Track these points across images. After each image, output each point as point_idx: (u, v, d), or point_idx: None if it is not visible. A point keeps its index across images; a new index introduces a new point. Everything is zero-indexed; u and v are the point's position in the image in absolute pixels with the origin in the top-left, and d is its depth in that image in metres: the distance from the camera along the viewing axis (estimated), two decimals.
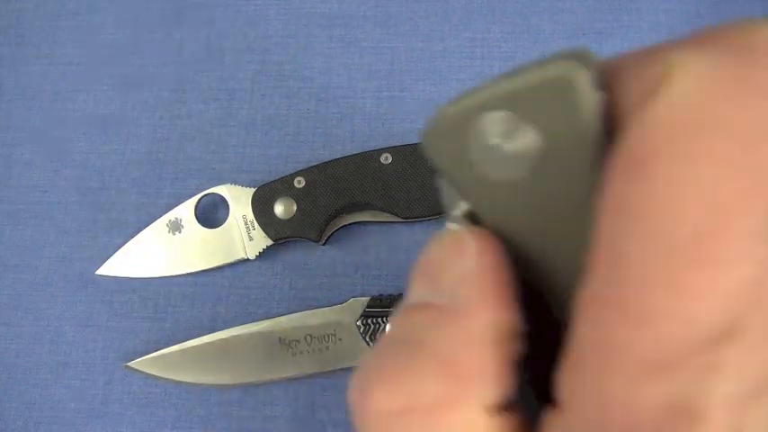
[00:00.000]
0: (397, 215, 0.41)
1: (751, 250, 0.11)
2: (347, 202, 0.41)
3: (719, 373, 0.11)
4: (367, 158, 0.41)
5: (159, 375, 0.40)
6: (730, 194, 0.11)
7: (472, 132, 0.15)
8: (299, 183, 0.41)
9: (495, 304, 0.15)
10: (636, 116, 0.12)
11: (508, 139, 0.15)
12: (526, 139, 0.14)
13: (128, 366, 0.40)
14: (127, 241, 0.43)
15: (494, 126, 0.15)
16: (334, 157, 0.42)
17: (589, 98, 0.14)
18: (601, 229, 0.13)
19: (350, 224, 0.43)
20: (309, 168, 0.42)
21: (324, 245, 0.42)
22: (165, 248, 0.42)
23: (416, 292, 0.16)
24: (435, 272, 0.16)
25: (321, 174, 0.42)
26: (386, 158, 0.41)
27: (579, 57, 0.14)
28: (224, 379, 0.40)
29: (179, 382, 0.40)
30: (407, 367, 0.14)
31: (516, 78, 0.14)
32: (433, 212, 0.41)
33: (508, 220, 0.16)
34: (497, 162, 0.15)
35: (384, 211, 0.41)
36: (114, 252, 0.43)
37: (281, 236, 0.41)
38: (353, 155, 0.42)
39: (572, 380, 0.13)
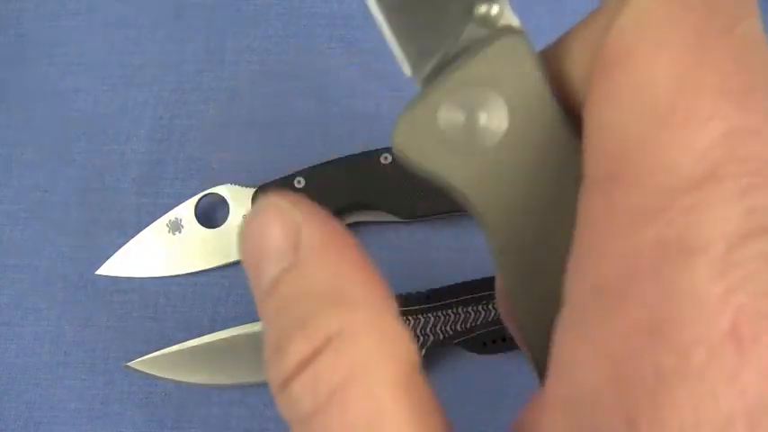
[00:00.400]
0: (397, 215, 0.41)
1: (716, 108, 0.13)
2: (347, 202, 0.41)
3: (706, 212, 0.12)
4: (367, 158, 0.41)
5: (159, 375, 0.40)
6: (690, 67, 0.13)
7: (441, 120, 0.17)
8: (299, 183, 0.41)
9: (338, 236, 0.16)
10: (610, 29, 0.14)
11: (475, 114, 0.17)
12: (490, 110, 0.16)
13: (128, 366, 0.40)
14: (127, 241, 0.43)
15: (459, 106, 0.17)
16: (335, 157, 0.42)
17: (532, 55, 0.17)
18: (590, 120, 0.15)
19: (350, 224, 0.43)
20: (309, 168, 0.42)
21: None
22: (165, 248, 0.42)
23: (267, 270, 0.16)
24: (266, 245, 0.16)
25: (321, 174, 0.42)
26: (386, 158, 0.41)
27: (515, 30, 0.17)
28: (224, 379, 0.40)
29: (179, 382, 0.40)
30: (304, 315, 0.15)
31: (467, 60, 0.17)
32: (433, 212, 0.41)
33: (491, 194, 0.17)
34: (469, 139, 0.17)
35: (384, 211, 0.41)
36: (114, 252, 0.43)
37: None
38: (353, 155, 0.42)
39: (580, 259, 0.14)
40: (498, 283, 0.21)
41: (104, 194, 0.45)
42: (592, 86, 0.15)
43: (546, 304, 0.16)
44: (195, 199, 0.43)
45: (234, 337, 0.40)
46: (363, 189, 0.41)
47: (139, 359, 0.40)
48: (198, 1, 0.49)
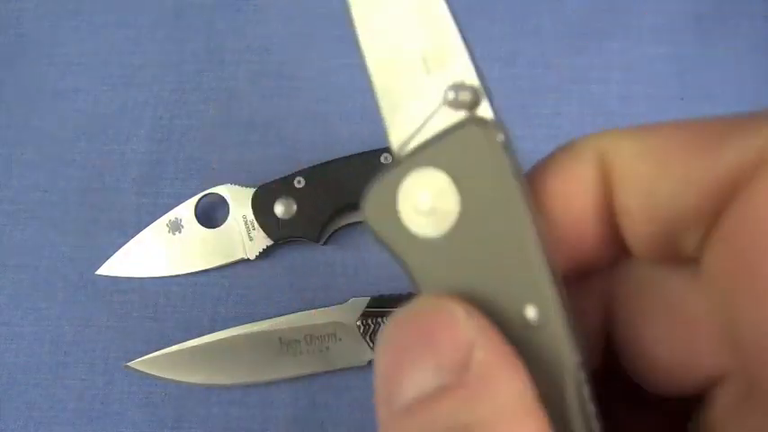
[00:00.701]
0: None
1: None
2: (347, 202, 0.41)
3: None
4: (367, 158, 0.41)
5: (159, 375, 0.40)
6: None
7: (400, 198, 0.17)
8: (299, 183, 0.41)
9: (511, 362, 0.14)
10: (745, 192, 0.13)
11: (428, 198, 0.17)
12: (442, 196, 0.16)
13: (128, 366, 0.40)
14: (127, 241, 0.43)
15: (416, 188, 0.17)
16: (334, 157, 0.42)
17: (493, 147, 0.16)
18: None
19: (350, 224, 0.43)
20: (309, 168, 0.42)
21: (324, 245, 0.42)
22: (165, 248, 0.42)
23: (416, 380, 0.14)
24: (427, 352, 0.14)
25: (321, 174, 0.42)
26: (386, 158, 0.41)
27: (477, 119, 0.17)
28: (224, 379, 0.40)
29: (179, 382, 0.40)
30: None
31: (430, 144, 0.17)
32: None
33: (438, 278, 0.17)
34: (422, 221, 0.16)
35: None
36: (114, 252, 0.43)
37: (281, 236, 0.41)
38: (353, 155, 0.42)
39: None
40: None
41: (104, 194, 0.45)
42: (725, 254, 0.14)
43: None
44: (195, 199, 0.43)
45: (234, 337, 0.40)
46: (363, 189, 0.41)
47: (139, 359, 0.40)
48: (198, 1, 0.49)
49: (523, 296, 0.16)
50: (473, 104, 0.18)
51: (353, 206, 0.42)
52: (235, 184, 0.43)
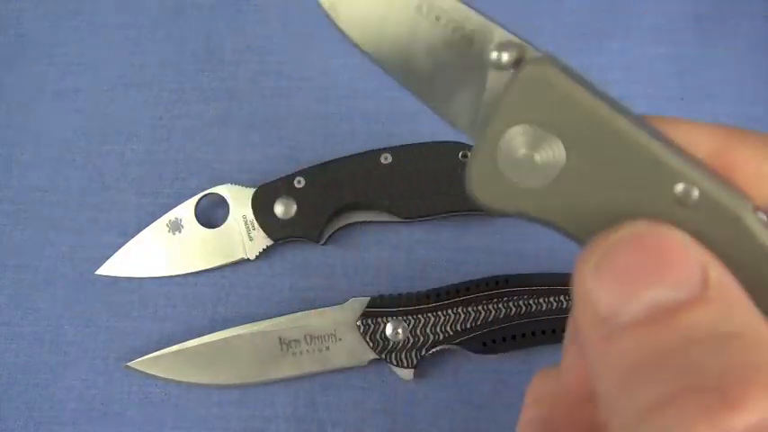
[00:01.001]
0: (397, 215, 0.41)
1: None
2: (347, 202, 0.41)
3: None
4: (367, 158, 0.41)
5: (159, 375, 0.40)
6: None
7: (503, 159, 0.17)
8: (299, 183, 0.41)
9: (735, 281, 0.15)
10: None
11: (533, 149, 0.17)
12: (542, 144, 0.17)
13: (128, 366, 0.40)
14: (127, 241, 0.43)
15: (513, 143, 0.17)
16: (334, 157, 0.42)
17: (562, 73, 0.17)
18: None
19: (350, 224, 0.43)
20: (309, 168, 0.42)
21: (324, 245, 0.42)
22: (165, 248, 0.42)
23: (651, 298, 0.14)
24: (664, 272, 0.15)
25: (321, 174, 0.42)
26: (386, 158, 0.41)
27: (532, 59, 0.17)
28: (224, 379, 0.40)
29: (179, 382, 0.40)
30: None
31: (501, 102, 0.17)
32: (433, 212, 0.41)
33: (569, 209, 0.17)
34: (533, 172, 0.17)
35: (384, 211, 0.41)
36: (114, 252, 0.43)
37: (281, 236, 0.41)
38: (353, 155, 0.42)
39: None
40: None
41: (104, 194, 0.45)
42: None
43: None
44: (195, 199, 0.43)
45: (234, 337, 0.40)
46: (363, 189, 0.41)
47: (139, 359, 0.40)
48: (198, 1, 0.49)
49: (667, 178, 0.16)
50: (520, 57, 0.18)
51: (353, 206, 0.42)
52: (235, 184, 0.43)
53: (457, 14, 0.18)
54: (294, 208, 0.41)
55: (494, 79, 0.18)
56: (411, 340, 0.38)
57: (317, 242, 0.42)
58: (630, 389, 0.14)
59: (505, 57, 0.18)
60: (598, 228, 0.16)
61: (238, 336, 0.40)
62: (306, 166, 0.42)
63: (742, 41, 0.46)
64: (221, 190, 0.43)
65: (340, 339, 0.39)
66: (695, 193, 0.16)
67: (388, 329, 0.38)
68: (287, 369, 0.40)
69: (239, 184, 0.43)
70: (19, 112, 0.47)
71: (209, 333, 0.40)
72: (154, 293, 0.43)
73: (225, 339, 0.40)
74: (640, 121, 0.17)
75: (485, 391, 0.40)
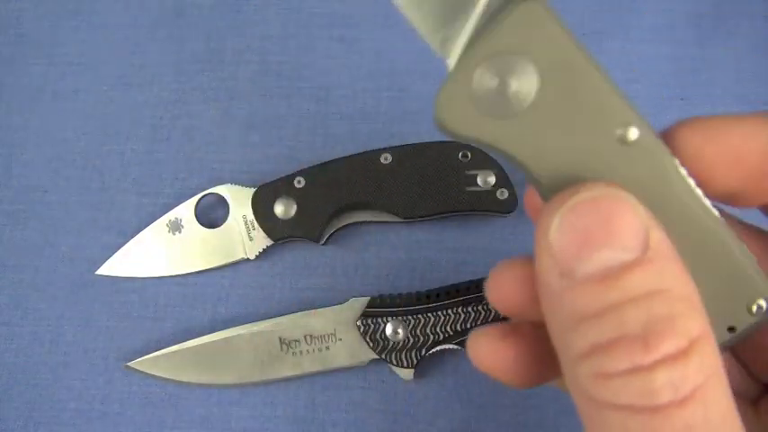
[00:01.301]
0: (397, 215, 0.41)
1: None
2: (347, 202, 0.41)
3: None
4: (367, 158, 0.41)
5: (159, 375, 0.40)
6: None
7: (476, 90, 0.18)
8: (299, 183, 0.41)
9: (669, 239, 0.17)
10: None
11: (506, 80, 0.18)
12: (520, 75, 0.18)
13: (128, 366, 0.40)
14: (127, 241, 0.43)
15: (490, 76, 0.18)
16: (334, 157, 0.42)
17: (552, 16, 0.18)
18: None
19: (350, 224, 0.43)
20: (309, 168, 0.42)
21: (324, 245, 0.42)
22: (165, 248, 0.42)
23: (601, 257, 0.17)
24: (612, 234, 0.17)
25: (321, 174, 0.42)
26: (386, 158, 0.41)
27: None
28: (224, 379, 0.40)
29: (179, 382, 0.40)
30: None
31: (490, 30, 0.18)
32: (433, 212, 0.41)
33: (532, 147, 0.19)
34: (504, 103, 0.18)
35: (384, 211, 0.41)
36: (114, 252, 0.43)
37: (281, 236, 0.41)
38: (353, 155, 0.42)
39: None
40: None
41: (104, 194, 0.45)
42: None
43: None
44: (195, 199, 0.43)
45: (234, 337, 0.40)
46: (363, 189, 0.41)
47: (139, 359, 0.40)
48: (198, 1, 0.49)
49: (616, 120, 0.18)
50: None
51: (353, 206, 0.42)
52: (235, 184, 0.43)
53: None
54: (294, 208, 0.41)
55: (487, 3, 0.19)
56: (411, 340, 0.38)
57: (317, 242, 0.42)
58: (574, 335, 0.17)
59: None
60: (554, 166, 0.19)
61: (238, 336, 0.40)
62: (306, 166, 0.42)
63: (742, 41, 0.46)
64: (221, 190, 0.43)
65: (340, 339, 0.39)
66: (635, 133, 0.18)
67: (388, 329, 0.38)
68: (287, 369, 0.40)
69: (239, 184, 0.43)
70: (19, 112, 0.47)
71: (209, 333, 0.40)
72: (154, 293, 0.43)
73: (225, 339, 0.40)
74: (608, 76, 0.19)
75: (485, 391, 0.40)
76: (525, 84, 0.18)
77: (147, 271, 0.43)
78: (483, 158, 0.41)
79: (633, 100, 0.18)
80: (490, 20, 0.18)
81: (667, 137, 0.19)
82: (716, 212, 0.19)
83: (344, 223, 0.42)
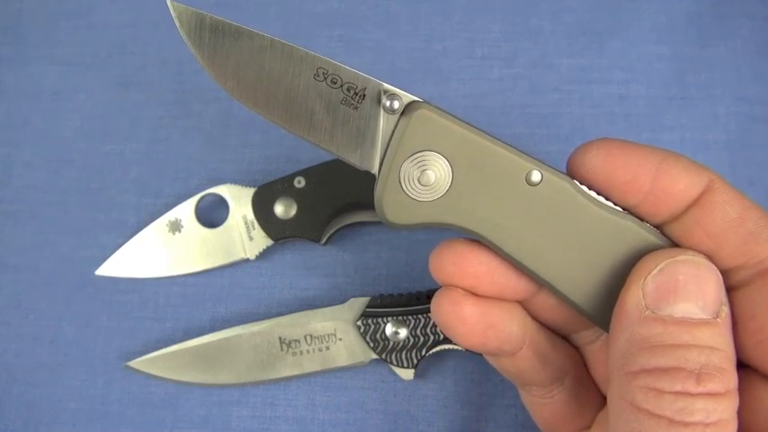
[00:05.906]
0: None
1: None
2: (347, 202, 0.41)
3: None
4: None
5: (159, 375, 0.40)
6: None
7: (403, 183, 0.24)
8: (299, 183, 0.41)
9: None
10: None
11: (427, 171, 0.24)
12: (437, 164, 0.24)
13: (128, 366, 0.40)
14: (127, 241, 0.43)
15: (410, 169, 0.24)
16: (335, 157, 0.42)
17: (440, 113, 0.24)
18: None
19: (350, 224, 0.43)
20: (309, 168, 0.42)
21: (324, 245, 0.42)
22: (165, 248, 0.42)
23: (685, 307, 0.22)
24: (700, 294, 0.23)
25: (321, 174, 0.42)
26: None
27: (419, 103, 0.25)
28: (224, 379, 0.40)
29: (179, 382, 0.40)
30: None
31: (400, 138, 0.24)
32: None
33: (464, 214, 0.25)
34: (431, 187, 0.24)
35: None
36: (114, 252, 0.43)
37: (281, 236, 0.41)
38: None
39: None
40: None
41: (104, 194, 0.45)
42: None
43: None
44: (195, 199, 0.43)
45: (234, 336, 0.40)
46: (363, 189, 0.41)
47: (139, 359, 0.40)
48: (198, 1, 0.49)
49: (522, 169, 0.24)
50: (406, 102, 0.25)
51: (353, 206, 0.42)
52: (235, 184, 0.43)
53: (349, 76, 0.27)
54: (294, 208, 0.41)
55: (386, 122, 0.25)
56: (411, 340, 0.38)
57: (317, 242, 0.42)
58: (640, 353, 0.22)
59: (396, 104, 0.24)
60: (490, 223, 0.24)
61: (238, 336, 0.40)
62: (306, 166, 0.42)
63: (742, 41, 0.46)
64: (221, 190, 0.43)
65: (340, 339, 0.39)
66: (538, 175, 0.24)
67: (388, 329, 0.38)
68: (287, 369, 0.40)
69: (239, 184, 0.43)
70: (19, 112, 0.47)
71: (209, 333, 0.40)
72: (154, 293, 0.43)
73: (225, 339, 0.40)
74: (495, 138, 0.24)
75: (485, 391, 0.40)
76: (440, 169, 0.24)
77: (147, 271, 0.43)
78: None
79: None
80: (394, 133, 0.24)
81: (575, 156, 0.24)
82: (619, 209, 0.24)
83: (344, 223, 0.42)
